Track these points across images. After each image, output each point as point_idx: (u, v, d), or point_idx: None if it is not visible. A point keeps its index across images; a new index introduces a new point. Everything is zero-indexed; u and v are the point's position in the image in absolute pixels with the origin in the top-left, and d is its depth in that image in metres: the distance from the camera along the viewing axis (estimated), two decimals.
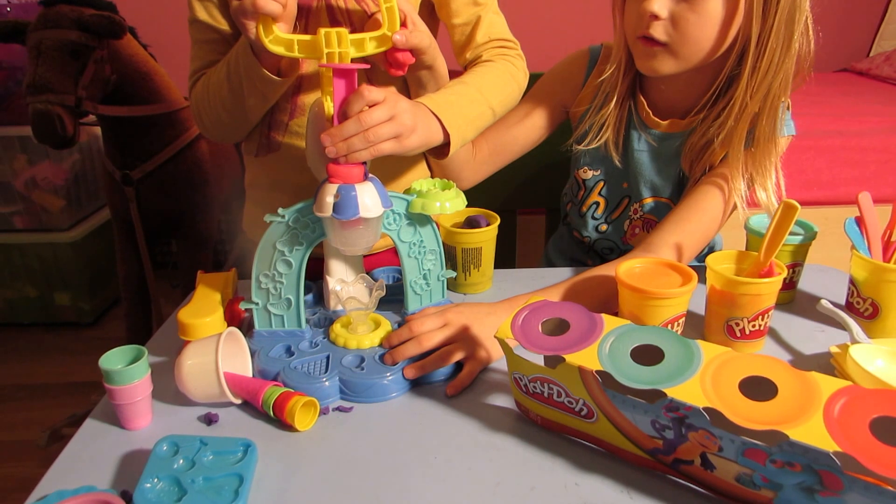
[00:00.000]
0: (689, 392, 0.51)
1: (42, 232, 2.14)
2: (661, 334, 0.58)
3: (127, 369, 0.62)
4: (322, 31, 0.66)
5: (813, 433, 0.46)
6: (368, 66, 0.69)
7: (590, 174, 1.01)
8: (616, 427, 0.56)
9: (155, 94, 1.52)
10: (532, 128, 1.01)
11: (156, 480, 0.54)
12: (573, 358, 0.56)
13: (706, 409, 0.49)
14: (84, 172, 2.20)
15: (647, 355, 0.56)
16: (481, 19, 0.84)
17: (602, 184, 1.01)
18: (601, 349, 0.57)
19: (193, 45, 0.82)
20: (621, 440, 0.57)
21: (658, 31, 0.82)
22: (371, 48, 0.69)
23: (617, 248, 1.03)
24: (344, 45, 0.66)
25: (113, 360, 0.64)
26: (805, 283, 0.88)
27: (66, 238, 2.14)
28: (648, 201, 0.98)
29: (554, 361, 0.57)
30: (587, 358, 0.56)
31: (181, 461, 0.56)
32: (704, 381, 0.52)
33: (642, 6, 0.82)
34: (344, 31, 0.66)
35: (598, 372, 0.54)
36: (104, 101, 1.44)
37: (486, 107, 0.81)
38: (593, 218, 1.03)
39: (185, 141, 1.60)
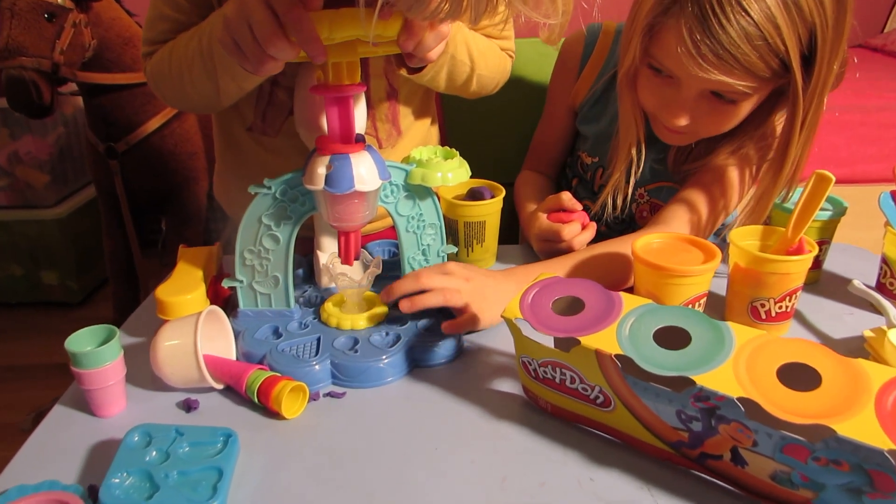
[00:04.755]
0: (721, 380, 0.46)
1: (27, 209, 2.08)
2: (686, 315, 0.52)
3: (96, 351, 0.56)
4: (330, 62, 0.57)
5: (864, 428, 0.41)
6: (364, 88, 0.64)
7: (590, 160, 0.96)
8: (636, 417, 0.51)
9: (139, 61, 1.44)
10: (562, 135, 1.00)
11: (125, 475, 0.48)
12: (589, 340, 0.50)
13: (741, 399, 0.44)
14: (69, 146, 2.12)
15: (672, 338, 0.50)
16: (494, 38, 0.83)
17: (602, 171, 0.96)
18: (620, 331, 0.51)
19: (152, 9, 0.73)
20: (641, 431, 0.51)
21: (687, 128, 0.78)
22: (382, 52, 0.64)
23: (630, 227, 0.98)
24: (354, 77, 0.59)
25: (81, 341, 0.58)
26: (830, 263, 0.83)
27: (52, 215, 2.08)
28: (652, 186, 0.93)
29: (567, 344, 0.51)
30: (605, 340, 0.50)
31: (154, 453, 0.50)
32: (738, 367, 0.46)
33: (670, 120, 0.76)
34: (356, 60, 0.59)
35: (617, 356, 0.49)
36: (84, 68, 1.37)
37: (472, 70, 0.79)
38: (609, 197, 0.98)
39: (172, 111, 1.53)
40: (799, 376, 0.45)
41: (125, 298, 1.71)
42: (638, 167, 0.85)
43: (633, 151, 0.84)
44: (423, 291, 0.66)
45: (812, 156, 0.89)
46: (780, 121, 0.81)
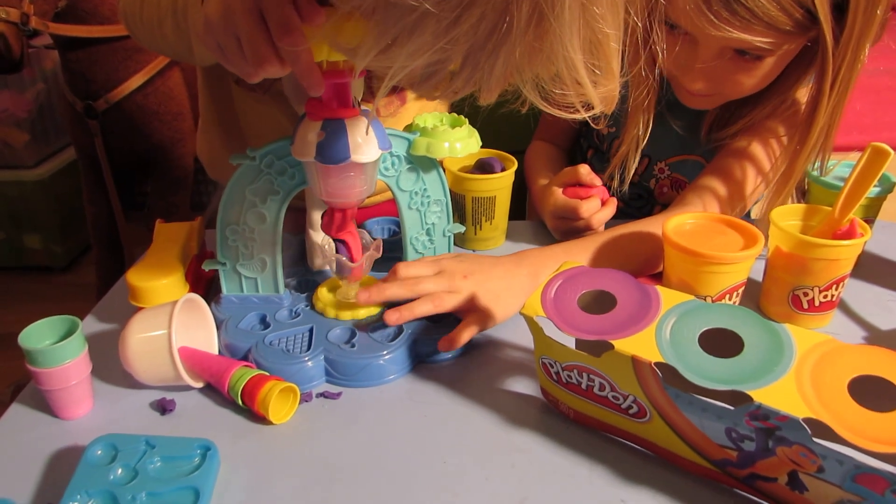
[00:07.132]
0: (783, 396, 0.39)
1: (6, 169, 1.97)
2: (736, 315, 0.45)
3: (55, 347, 0.49)
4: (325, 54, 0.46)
5: None
6: (364, 75, 0.54)
7: (606, 130, 0.87)
8: (675, 431, 0.44)
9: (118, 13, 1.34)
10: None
11: (85, 497, 0.42)
12: (624, 345, 0.44)
13: (807, 420, 0.37)
14: (50, 103, 2.01)
15: (721, 343, 0.43)
16: None
17: (618, 142, 0.87)
18: (660, 333, 0.44)
19: None
20: (681, 447, 0.45)
21: (710, 90, 0.70)
22: None
23: (648, 203, 0.90)
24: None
25: (38, 334, 0.51)
26: (869, 243, 0.75)
27: (33, 176, 1.98)
28: (675, 160, 0.84)
29: (598, 348, 0.44)
30: (642, 345, 0.44)
31: (119, 470, 0.44)
32: (801, 380, 0.40)
33: (688, 83, 0.70)
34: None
35: (657, 365, 0.42)
36: (57, 19, 1.26)
37: None
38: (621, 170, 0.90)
39: (156, 67, 1.42)
40: (874, 391, 0.39)
41: (110, 266, 1.63)
42: (646, 133, 0.76)
43: (645, 117, 0.75)
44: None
45: None
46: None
